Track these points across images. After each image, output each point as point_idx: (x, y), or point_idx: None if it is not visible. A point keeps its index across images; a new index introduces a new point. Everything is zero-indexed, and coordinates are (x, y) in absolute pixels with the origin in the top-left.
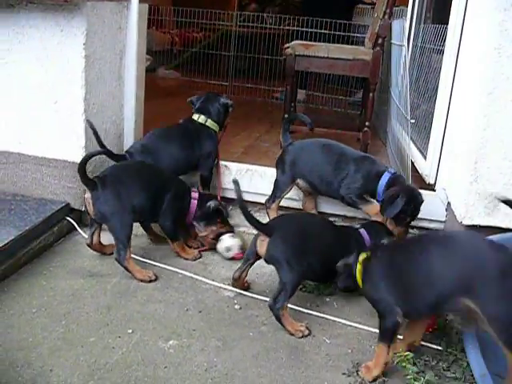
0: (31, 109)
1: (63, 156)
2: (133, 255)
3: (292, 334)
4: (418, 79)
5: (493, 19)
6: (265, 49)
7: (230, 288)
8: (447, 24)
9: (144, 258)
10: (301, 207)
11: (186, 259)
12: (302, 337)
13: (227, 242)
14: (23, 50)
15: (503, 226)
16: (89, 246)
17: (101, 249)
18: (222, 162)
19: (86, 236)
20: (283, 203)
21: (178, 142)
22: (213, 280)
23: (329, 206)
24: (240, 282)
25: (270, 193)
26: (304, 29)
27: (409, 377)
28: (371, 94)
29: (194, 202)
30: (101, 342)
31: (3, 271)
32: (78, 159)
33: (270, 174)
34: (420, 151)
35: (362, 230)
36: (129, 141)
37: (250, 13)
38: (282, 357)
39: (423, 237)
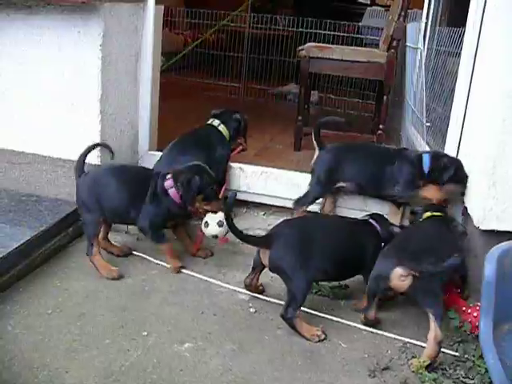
0: (47, 110)
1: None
2: (146, 256)
3: (308, 339)
4: (434, 82)
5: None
6: (278, 50)
7: (245, 291)
8: (463, 26)
9: (156, 259)
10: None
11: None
12: (319, 341)
13: (214, 230)
14: (40, 51)
15: None
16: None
17: (106, 247)
18: (236, 164)
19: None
20: None
21: (194, 148)
22: (227, 283)
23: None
24: (253, 287)
25: (285, 195)
26: (317, 31)
27: (426, 383)
28: (385, 97)
29: (172, 190)
30: (116, 345)
31: (18, 272)
32: (93, 160)
33: (286, 176)
34: None
35: (373, 221)
36: (144, 141)
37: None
38: (298, 361)
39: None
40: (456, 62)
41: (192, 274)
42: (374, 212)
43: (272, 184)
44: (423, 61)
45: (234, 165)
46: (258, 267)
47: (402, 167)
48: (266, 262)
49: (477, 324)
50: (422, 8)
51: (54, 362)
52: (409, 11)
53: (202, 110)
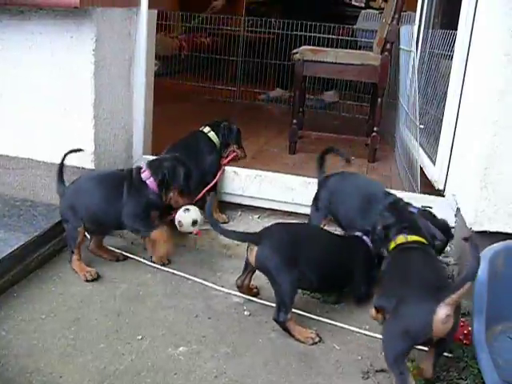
0: (41, 115)
1: (72, 162)
2: (140, 259)
3: (302, 342)
4: (427, 84)
5: (503, 25)
6: (272, 54)
7: (239, 294)
8: (456, 29)
9: (152, 262)
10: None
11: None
12: (313, 344)
13: (194, 214)
14: (33, 57)
15: None
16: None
17: (101, 254)
18: (231, 168)
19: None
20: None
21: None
22: (222, 286)
23: None
24: (245, 289)
25: (279, 199)
26: (311, 34)
27: None
28: (379, 99)
29: (151, 180)
30: (110, 349)
31: (13, 277)
32: (88, 165)
33: (281, 179)
34: (429, 156)
35: (365, 237)
36: (138, 146)
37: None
38: (292, 363)
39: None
40: (449, 65)
41: (187, 276)
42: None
43: (266, 187)
44: (416, 63)
45: (228, 168)
46: (249, 268)
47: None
48: (252, 259)
49: (460, 337)
50: (415, 11)
51: (49, 367)
52: (402, 14)
53: (197, 113)
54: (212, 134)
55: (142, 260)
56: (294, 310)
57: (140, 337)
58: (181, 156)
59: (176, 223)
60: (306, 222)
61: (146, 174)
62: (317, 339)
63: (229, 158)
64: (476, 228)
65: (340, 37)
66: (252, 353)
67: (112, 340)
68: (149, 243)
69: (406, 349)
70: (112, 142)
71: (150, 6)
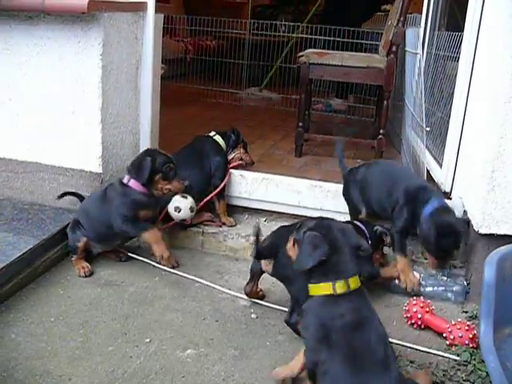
0: (49, 119)
1: (80, 165)
2: (148, 261)
3: None
4: (433, 87)
5: (509, 27)
6: (278, 57)
7: (246, 297)
8: (462, 31)
9: (160, 264)
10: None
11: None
12: None
13: (176, 201)
14: (41, 62)
15: None
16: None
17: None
18: (237, 171)
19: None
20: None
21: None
22: (229, 289)
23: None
24: (253, 294)
25: (286, 202)
26: (317, 36)
27: None
28: (385, 102)
29: (132, 182)
30: (119, 352)
31: (21, 280)
32: (95, 169)
33: (287, 182)
34: (435, 159)
35: (360, 223)
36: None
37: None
38: None
39: None
40: (455, 67)
41: (194, 279)
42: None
43: (273, 190)
44: (422, 65)
45: (234, 171)
46: (256, 274)
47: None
48: (269, 270)
49: (466, 342)
50: (421, 13)
51: (58, 370)
52: (408, 16)
53: (203, 116)
54: (218, 137)
55: (149, 261)
56: None
57: (148, 339)
58: (154, 148)
59: (172, 210)
60: None
61: (126, 178)
62: None
63: (234, 163)
64: (483, 231)
65: (346, 40)
66: (260, 355)
67: (120, 343)
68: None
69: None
70: (119, 146)
71: (157, 11)
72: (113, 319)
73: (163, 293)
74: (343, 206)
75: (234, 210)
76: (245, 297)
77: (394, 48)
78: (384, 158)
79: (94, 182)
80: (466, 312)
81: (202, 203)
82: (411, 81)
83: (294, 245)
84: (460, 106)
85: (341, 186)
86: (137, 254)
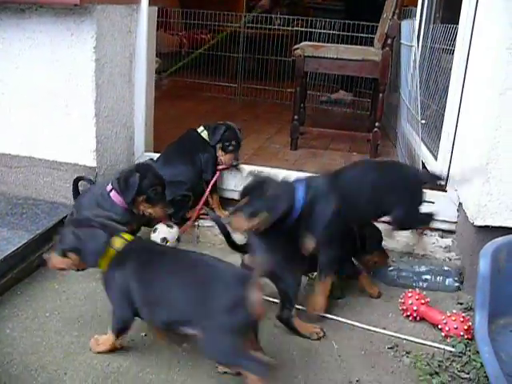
0: (42, 113)
1: (74, 159)
2: None
3: (307, 337)
4: (428, 79)
5: (504, 20)
6: (273, 50)
7: None
8: (457, 24)
9: None
10: None
11: None
12: (318, 339)
13: (163, 232)
14: (34, 55)
15: None
16: None
17: None
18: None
19: None
20: None
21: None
22: None
23: None
24: None
25: None
26: (312, 29)
27: (421, 378)
28: (381, 95)
29: (113, 193)
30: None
31: (16, 275)
32: (90, 163)
33: (282, 175)
34: (430, 151)
35: None
36: (140, 143)
37: (260, 10)
38: (295, 359)
39: None
40: (450, 60)
41: None
42: None
43: None
44: (417, 58)
45: None
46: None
47: None
48: (253, 264)
49: (461, 333)
50: (416, 5)
51: (53, 364)
52: (403, 9)
53: (198, 110)
54: (205, 134)
55: None
56: (296, 306)
57: (143, 333)
58: (150, 164)
59: (158, 241)
60: None
61: (109, 187)
62: (321, 334)
63: (222, 166)
64: (478, 223)
65: (342, 32)
66: None
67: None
68: None
69: None
70: (114, 140)
71: (151, 3)
72: (108, 313)
73: None
74: None
75: (228, 203)
76: None
77: (389, 41)
78: (379, 152)
79: (89, 176)
80: (461, 304)
81: (198, 206)
82: (406, 73)
83: None
84: (455, 99)
85: None
86: None
